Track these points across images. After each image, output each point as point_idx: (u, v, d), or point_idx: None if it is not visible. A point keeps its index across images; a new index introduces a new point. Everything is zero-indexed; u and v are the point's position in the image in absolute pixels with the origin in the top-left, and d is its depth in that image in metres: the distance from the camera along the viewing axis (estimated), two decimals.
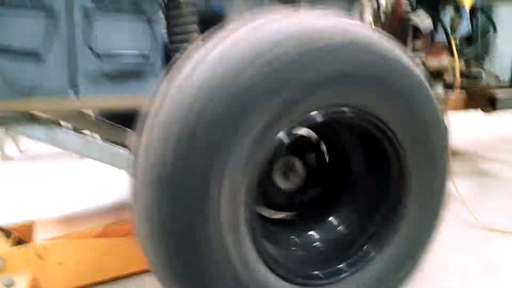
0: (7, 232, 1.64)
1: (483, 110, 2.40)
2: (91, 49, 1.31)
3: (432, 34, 1.89)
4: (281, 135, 0.97)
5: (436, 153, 1.15)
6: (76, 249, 1.58)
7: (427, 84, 1.12)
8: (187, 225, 0.90)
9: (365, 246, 1.19)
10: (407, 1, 1.84)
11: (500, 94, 2.30)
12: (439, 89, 1.95)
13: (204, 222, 0.90)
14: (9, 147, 4.28)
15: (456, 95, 2.02)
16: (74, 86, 1.32)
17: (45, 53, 1.25)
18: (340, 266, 1.16)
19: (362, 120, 1.07)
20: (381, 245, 1.17)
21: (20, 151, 4.41)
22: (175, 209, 0.89)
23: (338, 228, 1.30)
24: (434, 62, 1.87)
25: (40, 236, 1.64)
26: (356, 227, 1.27)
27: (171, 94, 0.92)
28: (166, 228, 0.90)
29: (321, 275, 1.13)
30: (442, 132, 1.15)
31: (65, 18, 1.27)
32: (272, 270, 1.03)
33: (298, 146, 1.32)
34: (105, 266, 1.62)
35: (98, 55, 1.33)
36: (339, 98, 1.01)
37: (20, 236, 1.68)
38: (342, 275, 1.14)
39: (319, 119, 1.01)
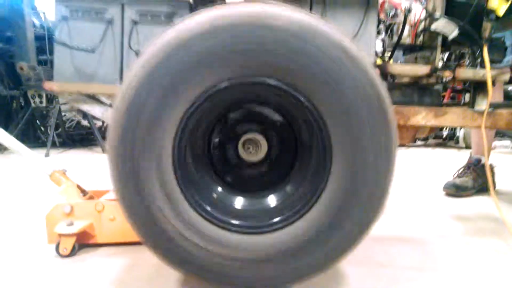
0: (84, 191, 2.19)
1: None
2: (133, 49, 1.77)
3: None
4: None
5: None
6: None
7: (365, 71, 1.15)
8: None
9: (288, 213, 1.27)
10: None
11: None
12: (483, 105, 1.74)
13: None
14: None
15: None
16: (121, 77, 1.79)
17: (102, 51, 1.76)
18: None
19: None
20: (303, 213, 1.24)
21: None
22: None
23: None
24: (467, 73, 1.71)
25: (105, 197, 2.14)
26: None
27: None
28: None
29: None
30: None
31: (119, 26, 1.77)
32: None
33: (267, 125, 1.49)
34: None
35: (137, 54, 1.78)
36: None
37: (93, 196, 2.21)
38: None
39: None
